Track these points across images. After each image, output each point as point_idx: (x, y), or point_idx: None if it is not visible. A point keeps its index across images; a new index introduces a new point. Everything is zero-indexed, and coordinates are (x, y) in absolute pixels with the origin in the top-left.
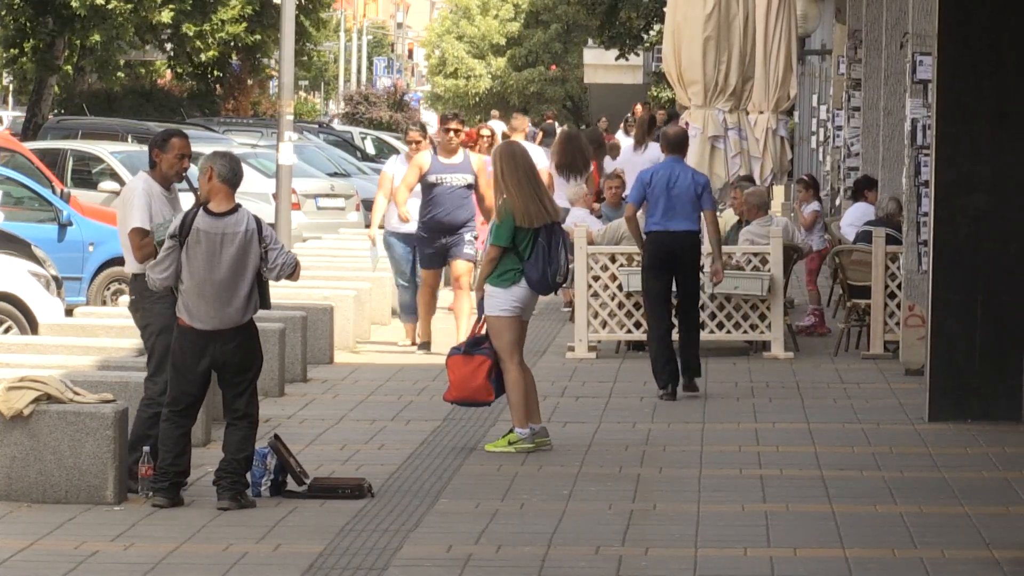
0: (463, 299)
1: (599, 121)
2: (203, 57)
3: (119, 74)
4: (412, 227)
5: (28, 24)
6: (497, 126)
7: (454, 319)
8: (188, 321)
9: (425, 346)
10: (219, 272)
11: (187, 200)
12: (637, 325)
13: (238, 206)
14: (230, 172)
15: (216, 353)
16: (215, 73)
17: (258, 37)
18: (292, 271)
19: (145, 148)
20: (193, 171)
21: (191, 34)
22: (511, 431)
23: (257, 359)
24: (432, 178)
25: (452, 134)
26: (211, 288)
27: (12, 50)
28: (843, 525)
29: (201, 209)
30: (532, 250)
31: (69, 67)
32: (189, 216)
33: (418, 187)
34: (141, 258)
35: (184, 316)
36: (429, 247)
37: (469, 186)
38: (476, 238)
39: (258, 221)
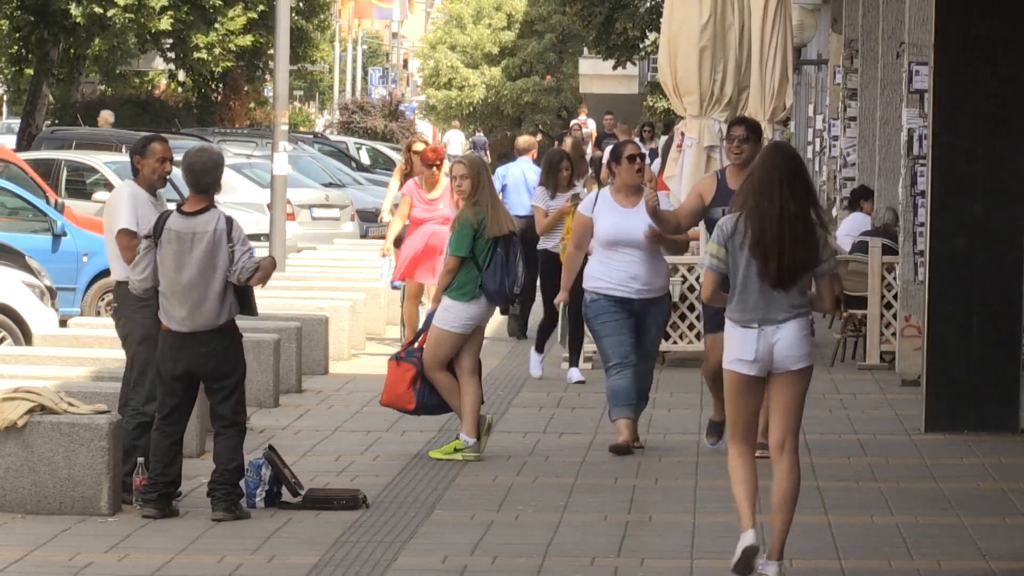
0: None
1: (605, 117)
2: (214, 69)
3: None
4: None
5: (29, 36)
6: (455, 136)
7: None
8: (166, 323)
9: (716, 428)
10: (187, 272)
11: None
12: None
13: (211, 206)
14: (194, 180)
15: (191, 357)
16: (216, 82)
17: (262, 40)
18: (251, 275)
19: None
20: (177, 174)
21: (202, 45)
22: (457, 437)
23: (237, 366)
24: (717, 212)
25: (736, 142)
26: (180, 288)
27: (13, 67)
28: (839, 536)
29: (176, 209)
30: (491, 260)
31: (64, 77)
32: (163, 216)
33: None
34: (130, 259)
35: (164, 318)
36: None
37: None
38: None
39: (229, 221)
